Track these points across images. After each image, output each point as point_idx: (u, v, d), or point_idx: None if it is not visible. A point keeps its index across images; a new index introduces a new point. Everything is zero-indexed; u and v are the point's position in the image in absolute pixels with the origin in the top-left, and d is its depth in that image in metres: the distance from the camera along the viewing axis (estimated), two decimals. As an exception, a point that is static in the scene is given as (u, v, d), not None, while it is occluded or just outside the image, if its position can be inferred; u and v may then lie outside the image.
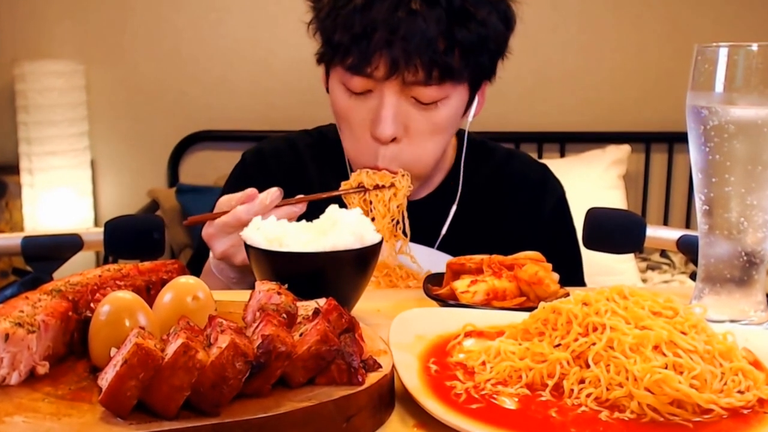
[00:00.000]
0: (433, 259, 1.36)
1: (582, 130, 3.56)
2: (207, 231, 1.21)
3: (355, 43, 1.24)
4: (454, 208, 1.46)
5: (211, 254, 1.28)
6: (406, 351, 0.82)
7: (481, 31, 1.26)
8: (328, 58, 1.33)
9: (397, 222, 1.31)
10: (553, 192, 1.55)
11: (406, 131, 1.30)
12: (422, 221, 1.39)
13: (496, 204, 1.49)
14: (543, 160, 3.00)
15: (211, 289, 1.27)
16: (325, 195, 1.26)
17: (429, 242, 1.43)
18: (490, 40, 1.29)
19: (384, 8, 1.22)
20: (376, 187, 1.30)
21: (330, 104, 1.38)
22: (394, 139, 1.30)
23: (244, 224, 1.15)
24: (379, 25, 1.22)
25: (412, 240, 1.35)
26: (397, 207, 1.31)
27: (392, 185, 1.30)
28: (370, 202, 1.31)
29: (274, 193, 1.19)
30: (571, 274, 1.47)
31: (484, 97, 1.42)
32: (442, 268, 1.14)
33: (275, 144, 1.58)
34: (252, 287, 0.92)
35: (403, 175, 1.31)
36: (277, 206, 1.18)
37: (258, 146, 1.60)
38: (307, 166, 1.52)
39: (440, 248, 1.43)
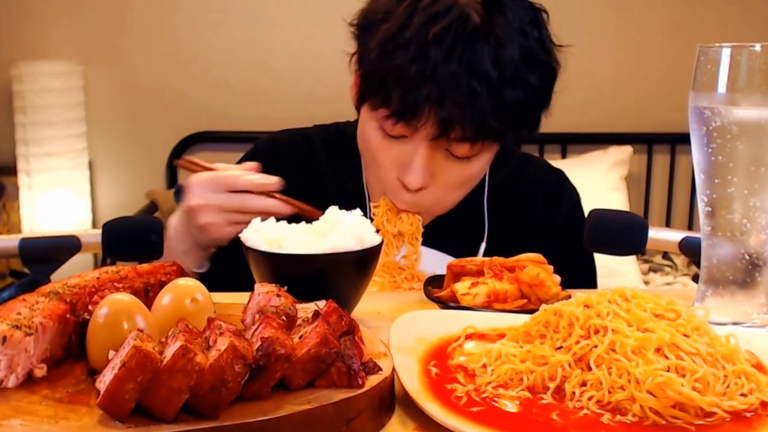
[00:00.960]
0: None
1: (583, 131, 3.56)
2: (194, 177, 1.22)
3: (405, 96, 1.19)
4: (483, 245, 1.43)
5: (177, 221, 1.28)
6: (407, 353, 0.82)
7: (530, 93, 1.23)
8: (369, 99, 1.26)
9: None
10: (568, 199, 1.53)
11: (434, 179, 1.28)
12: (450, 234, 1.39)
13: (512, 209, 1.47)
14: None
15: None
16: (314, 215, 1.18)
17: (470, 250, 1.42)
18: (537, 100, 1.27)
19: (439, 61, 1.16)
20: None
21: (358, 130, 1.36)
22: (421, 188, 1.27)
23: (232, 188, 1.18)
24: (429, 80, 1.17)
25: (449, 252, 1.36)
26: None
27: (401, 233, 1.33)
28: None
29: (274, 179, 1.20)
30: (585, 282, 1.46)
31: None
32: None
33: (290, 136, 1.56)
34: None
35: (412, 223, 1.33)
36: (270, 195, 1.19)
37: (272, 136, 1.57)
38: (321, 161, 1.50)
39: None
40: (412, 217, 1.32)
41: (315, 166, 1.48)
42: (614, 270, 2.99)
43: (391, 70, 1.19)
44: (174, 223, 1.28)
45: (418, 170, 1.24)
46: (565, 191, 1.54)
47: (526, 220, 1.47)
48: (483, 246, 1.43)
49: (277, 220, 1.01)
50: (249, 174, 1.20)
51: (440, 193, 1.30)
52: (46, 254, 1.36)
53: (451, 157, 1.26)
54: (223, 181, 1.18)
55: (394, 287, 1.31)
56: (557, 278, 1.06)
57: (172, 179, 3.52)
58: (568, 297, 1.00)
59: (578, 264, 1.43)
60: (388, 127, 1.25)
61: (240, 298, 0.91)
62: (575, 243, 1.50)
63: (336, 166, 1.48)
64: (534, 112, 1.29)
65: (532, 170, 1.54)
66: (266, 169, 1.25)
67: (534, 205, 1.49)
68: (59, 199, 3.25)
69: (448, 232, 1.40)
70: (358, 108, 1.35)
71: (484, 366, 0.79)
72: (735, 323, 0.96)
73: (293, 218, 1.11)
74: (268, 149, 1.52)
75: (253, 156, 1.52)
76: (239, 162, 1.52)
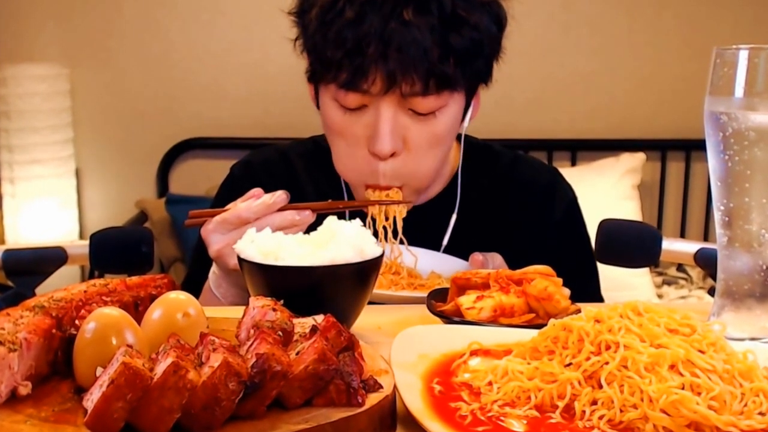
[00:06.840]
0: (436, 262, 1.39)
1: (594, 137, 3.56)
2: (206, 227, 1.23)
3: (349, 59, 1.26)
4: (454, 216, 1.48)
5: (212, 268, 1.29)
6: (409, 370, 0.82)
7: (475, 35, 1.28)
8: (320, 76, 1.34)
9: (394, 231, 1.36)
10: (564, 196, 1.57)
11: (405, 144, 1.33)
12: (424, 228, 1.42)
13: (503, 210, 1.51)
14: (553, 169, 2.98)
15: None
16: (333, 208, 1.27)
17: (432, 249, 1.45)
18: (484, 44, 1.31)
19: (376, 20, 1.24)
20: (382, 202, 1.35)
21: (321, 121, 1.41)
22: (393, 154, 1.32)
23: (244, 222, 1.19)
24: (372, 38, 1.24)
25: (430, 242, 1.40)
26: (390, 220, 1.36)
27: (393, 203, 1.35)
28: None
29: (279, 195, 1.22)
30: (586, 284, 1.48)
31: (479, 101, 1.45)
32: (445, 271, 1.17)
33: (265, 154, 1.61)
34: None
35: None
36: (282, 209, 1.21)
37: (246, 158, 1.62)
38: (299, 176, 1.55)
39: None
40: (394, 190, 1.36)
41: (293, 181, 1.52)
42: (626, 283, 2.99)
43: (333, 40, 1.27)
44: (212, 281, 1.30)
45: (385, 135, 1.29)
46: (560, 189, 1.58)
47: (519, 222, 1.51)
48: (454, 217, 1.48)
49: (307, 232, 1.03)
50: (253, 202, 1.22)
51: (416, 159, 1.34)
52: (31, 266, 1.37)
53: (416, 116, 1.31)
54: (232, 220, 1.20)
55: (392, 284, 1.32)
56: (566, 291, 1.06)
57: (162, 188, 3.52)
58: (578, 311, 1.00)
59: (578, 266, 1.46)
60: (344, 99, 1.31)
61: (234, 312, 0.91)
62: (573, 244, 1.54)
63: (315, 179, 1.53)
64: (483, 56, 1.34)
65: (524, 169, 1.58)
66: (246, 192, 1.28)
67: (527, 205, 1.53)
68: (44, 209, 3.25)
69: (425, 221, 1.44)
70: (316, 98, 1.42)
71: (490, 383, 0.79)
72: (753, 338, 0.96)
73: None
74: (245, 172, 1.57)
75: (230, 182, 1.59)
76: (218, 192, 1.59)
